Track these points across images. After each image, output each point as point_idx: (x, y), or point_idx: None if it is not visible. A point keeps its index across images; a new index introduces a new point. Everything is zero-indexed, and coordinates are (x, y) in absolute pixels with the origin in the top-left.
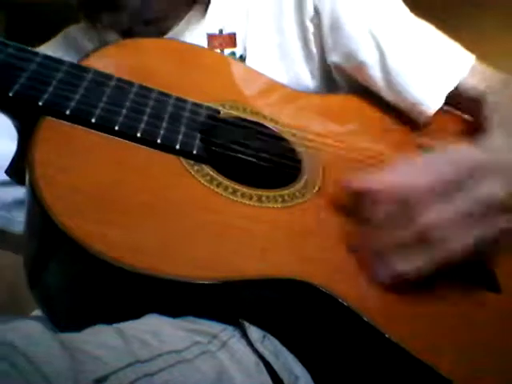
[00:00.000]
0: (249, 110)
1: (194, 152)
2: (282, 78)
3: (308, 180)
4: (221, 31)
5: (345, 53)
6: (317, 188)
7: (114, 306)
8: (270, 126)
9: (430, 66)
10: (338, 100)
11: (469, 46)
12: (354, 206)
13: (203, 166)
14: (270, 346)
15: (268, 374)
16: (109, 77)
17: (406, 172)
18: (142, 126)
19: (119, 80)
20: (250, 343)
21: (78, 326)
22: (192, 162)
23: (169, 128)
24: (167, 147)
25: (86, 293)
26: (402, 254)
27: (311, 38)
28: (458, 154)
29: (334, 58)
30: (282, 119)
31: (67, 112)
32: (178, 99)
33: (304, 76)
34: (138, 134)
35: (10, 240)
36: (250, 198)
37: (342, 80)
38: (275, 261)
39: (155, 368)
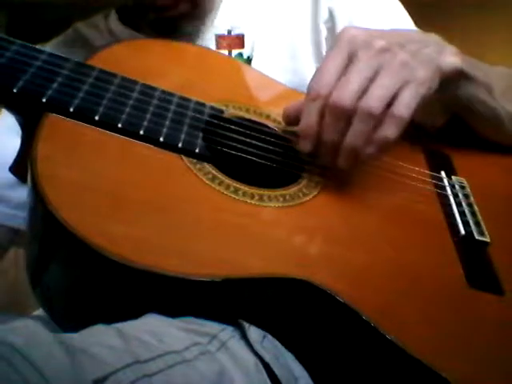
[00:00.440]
0: (252, 111)
1: (197, 151)
2: (290, 78)
3: (310, 180)
4: (229, 32)
5: None
6: (318, 188)
7: (114, 303)
8: (273, 127)
9: None
10: None
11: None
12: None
13: (205, 164)
14: (270, 347)
15: (267, 374)
16: (113, 75)
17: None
18: (145, 124)
19: (123, 79)
20: (249, 344)
21: (79, 325)
22: (194, 160)
23: (172, 126)
24: (170, 145)
25: (87, 290)
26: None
27: (323, 41)
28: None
29: None
30: None
31: (71, 109)
32: (182, 98)
33: None
34: (141, 132)
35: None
36: (252, 197)
37: None
38: (275, 259)
39: (155, 368)
